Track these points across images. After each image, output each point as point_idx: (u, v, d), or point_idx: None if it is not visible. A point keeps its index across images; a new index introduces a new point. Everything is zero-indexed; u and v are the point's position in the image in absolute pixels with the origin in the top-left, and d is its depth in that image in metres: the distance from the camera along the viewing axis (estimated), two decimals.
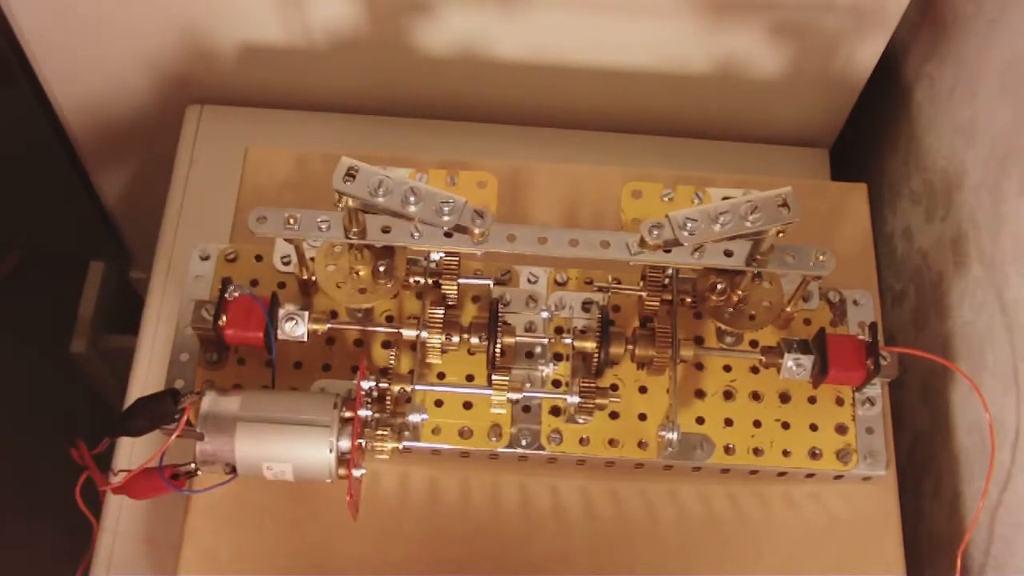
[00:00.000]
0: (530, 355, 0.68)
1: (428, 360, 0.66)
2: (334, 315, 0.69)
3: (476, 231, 0.59)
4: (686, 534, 0.68)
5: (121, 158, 1.03)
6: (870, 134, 0.95)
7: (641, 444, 0.67)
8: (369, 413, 0.61)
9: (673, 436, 0.64)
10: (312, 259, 0.67)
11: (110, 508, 0.79)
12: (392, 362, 0.66)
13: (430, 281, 0.67)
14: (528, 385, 0.67)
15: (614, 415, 0.68)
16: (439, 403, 0.67)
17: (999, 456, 0.68)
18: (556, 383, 0.68)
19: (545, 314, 0.69)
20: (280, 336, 0.64)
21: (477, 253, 0.63)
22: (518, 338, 0.67)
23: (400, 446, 0.64)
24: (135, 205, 1.09)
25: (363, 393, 0.60)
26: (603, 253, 0.62)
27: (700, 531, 0.68)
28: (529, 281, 0.71)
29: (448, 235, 0.61)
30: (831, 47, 0.84)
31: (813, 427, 0.68)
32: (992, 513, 0.68)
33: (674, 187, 0.72)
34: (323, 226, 0.62)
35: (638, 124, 0.92)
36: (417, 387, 0.65)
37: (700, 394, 0.69)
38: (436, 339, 0.65)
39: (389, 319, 0.70)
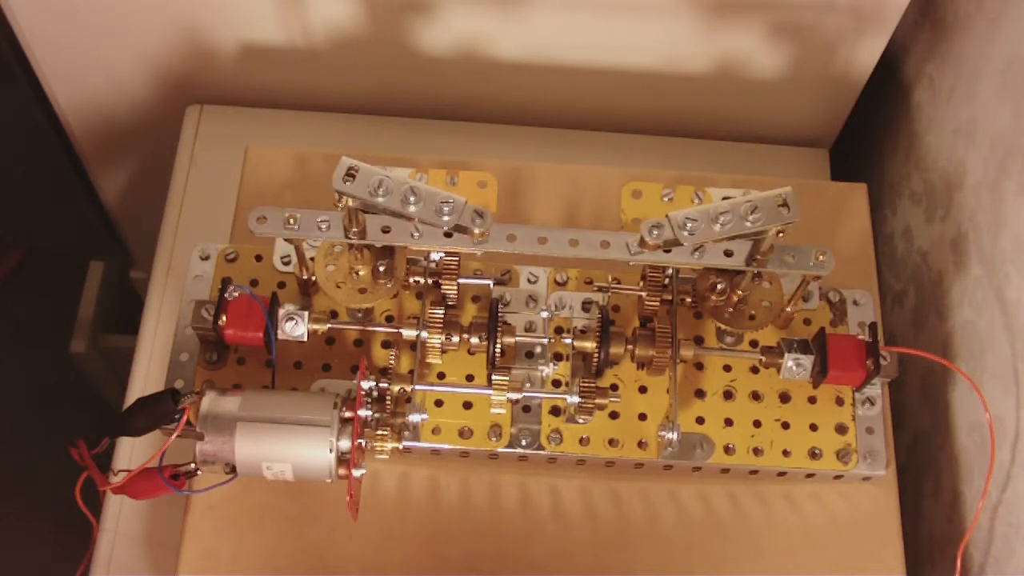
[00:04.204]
0: (530, 355, 0.68)
1: (428, 360, 0.66)
2: (334, 315, 0.69)
3: (476, 231, 0.59)
4: (686, 534, 0.68)
5: (121, 158, 1.03)
6: (870, 134, 0.95)
7: (641, 444, 0.67)
8: (369, 413, 0.61)
9: (673, 436, 0.64)
10: (312, 259, 0.67)
11: (110, 508, 0.79)
12: (392, 362, 0.66)
13: (430, 281, 0.67)
14: (528, 385, 0.67)
15: (614, 415, 0.68)
16: (439, 403, 0.67)
17: (999, 456, 0.68)
18: (556, 383, 0.68)
19: (545, 314, 0.69)
20: (280, 336, 0.64)
21: (477, 253, 0.63)
22: (518, 338, 0.67)
23: (400, 446, 0.64)
24: (135, 205, 1.09)
25: (363, 393, 0.61)
26: (603, 253, 0.62)
27: (700, 531, 0.68)
28: (529, 281, 0.71)
29: (448, 235, 0.61)
30: (831, 47, 0.84)
31: (813, 427, 0.68)
32: (992, 513, 0.68)
33: (674, 187, 0.72)
34: (323, 226, 0.62)
35: (638, 124, 0.92)
36: (417, 387, 0.65)
37: (700, 394, 0.69)
38: (436, 339, 0.65)
39: (389, 319, 0.70)
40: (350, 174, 0.58)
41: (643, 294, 0.67)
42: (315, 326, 0.65)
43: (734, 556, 0.68)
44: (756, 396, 0.69)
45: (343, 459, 0.60)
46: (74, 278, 1.16)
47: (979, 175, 0.74)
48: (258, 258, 0.71)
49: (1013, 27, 0.71)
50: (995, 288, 0.70)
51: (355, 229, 0.62)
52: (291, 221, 0.62)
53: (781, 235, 0.60)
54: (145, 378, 0.82)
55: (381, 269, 0.65)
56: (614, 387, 0.68)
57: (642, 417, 0.68)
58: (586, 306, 0.71)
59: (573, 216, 0.77)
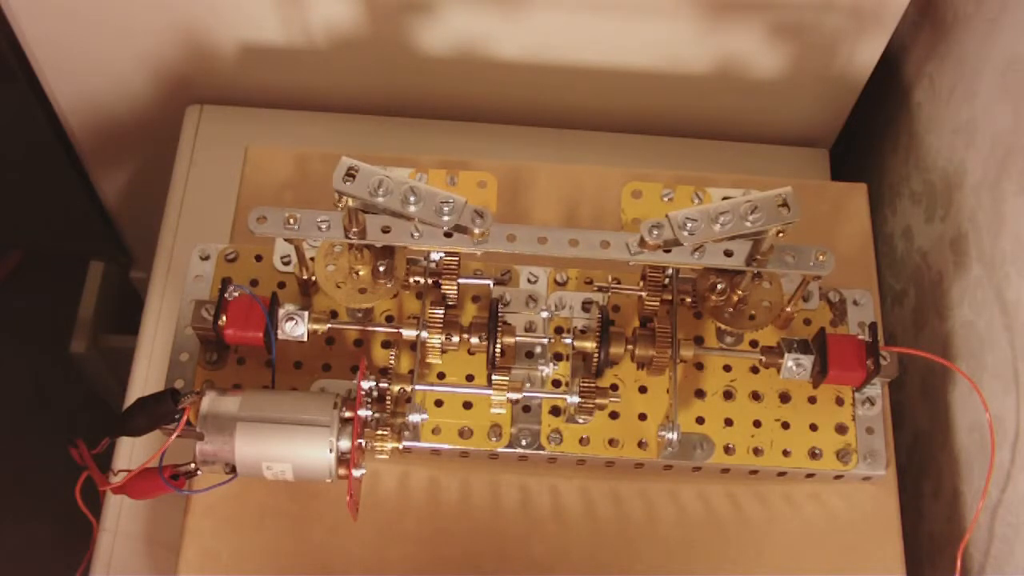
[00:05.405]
0: (530, 355, 0.68)
1: (428, 360, 0.66)
2: (334, 315, 0.69)
3: (476, 231, 0.59)
4: (686, 534, 0.68)
5: (121, 158, 1.03)
6: (870, 134, 0.95)
7: (641, 444, 0.67)
8: (369, 413, 0.61)
9: (673, 436, 0.64)
10: (312, 259, 0.67)
11: (110, 508, 0.79)
12: (392, 362, 0.66)
13: (430, 281, 0.67)
14: (528, 385, 0.67)
15: (614, 415, 0.68)
16: (439, 403, 0.67)
17: (999, 456, 0.68)
18: (556, 383, 0.68)
19: (545, 314, 0.69)
20: (280, 336, 0.64)
21: (477, 253, 0.63)
22: (518, 338, 0.67)
23: (400, 446, 0.64)
24: (135, 205, 1.09)
25: (363, 393, 0.61)
26: (603, 253, 0.62)
27: (700, 531, 0.68)
28: (529, 281, 0.71)
29: (448, 235, 0.61)
30: (831, 47, 0.84)
31: (813, 427, 0.68)
32: (992, 513, 0.68)
33: (674, 187, 0.72)
34: (323, 226, 0.62)
35: (638, 124, 0.92)
36: (417, 387, 0.65)
37: (700, 394, 0.69)
38: (436, 339, 0.65)
39: (389, 319, 0.70)
40: (350, 174, 0.58)
41: (643, 294, 0.67)
42: (315, 326, 0.65)
43: (734, 556, 0.68)
44: (756, 396, 0.69)
45: (343, 459, 0.60)
46: (74, 278, 1.17)
47: (979, 175, 0.74)
48: (258, 258, 0.71)
49: (1013, 27, 0.71)
50: (995, 288, 0.70)
51: (355, 229, 0.62)
52: (291, 221, 0.62)
53: (781, 235, 0.60)
54: (145, 378, 0.82)
55: (381, 269, 0.65)
56: (614, 387, 0.68)
57: (642, 417, 0.68)
58: (586, 306, 0.71)
59: (573, 216, 0.77)
